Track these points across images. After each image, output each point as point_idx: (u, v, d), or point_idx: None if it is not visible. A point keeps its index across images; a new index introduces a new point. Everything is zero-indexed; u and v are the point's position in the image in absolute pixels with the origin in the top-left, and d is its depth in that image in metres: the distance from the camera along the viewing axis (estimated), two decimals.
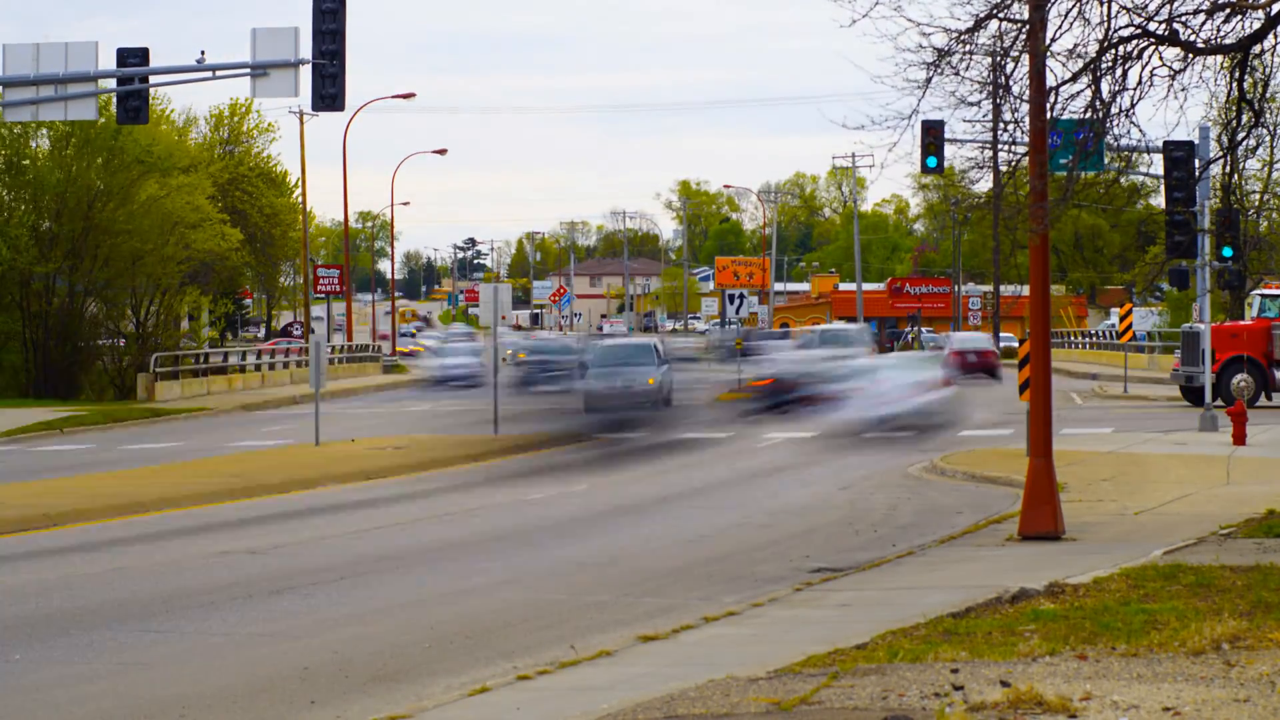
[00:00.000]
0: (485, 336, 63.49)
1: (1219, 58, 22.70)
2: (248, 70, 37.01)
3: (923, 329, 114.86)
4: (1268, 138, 70.97)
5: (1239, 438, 35.75)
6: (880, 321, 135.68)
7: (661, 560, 22.54)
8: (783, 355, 64.04)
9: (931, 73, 21.55)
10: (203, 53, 37.54)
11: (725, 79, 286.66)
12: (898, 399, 43.53)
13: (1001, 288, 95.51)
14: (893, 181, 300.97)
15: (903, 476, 33.82)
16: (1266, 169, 74.88)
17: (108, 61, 38.25)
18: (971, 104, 22.05)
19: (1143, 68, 20.63)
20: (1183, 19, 20.56)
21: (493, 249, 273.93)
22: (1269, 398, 52.61)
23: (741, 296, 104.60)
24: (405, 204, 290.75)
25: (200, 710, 13.71)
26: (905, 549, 22.87)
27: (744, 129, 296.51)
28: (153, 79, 39.01)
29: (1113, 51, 20.52)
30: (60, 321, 65.06)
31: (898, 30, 22.85)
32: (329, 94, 35.55)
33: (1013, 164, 23.68)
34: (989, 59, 22.02)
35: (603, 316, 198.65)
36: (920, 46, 21.58)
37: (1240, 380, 51.80)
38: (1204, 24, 20.60)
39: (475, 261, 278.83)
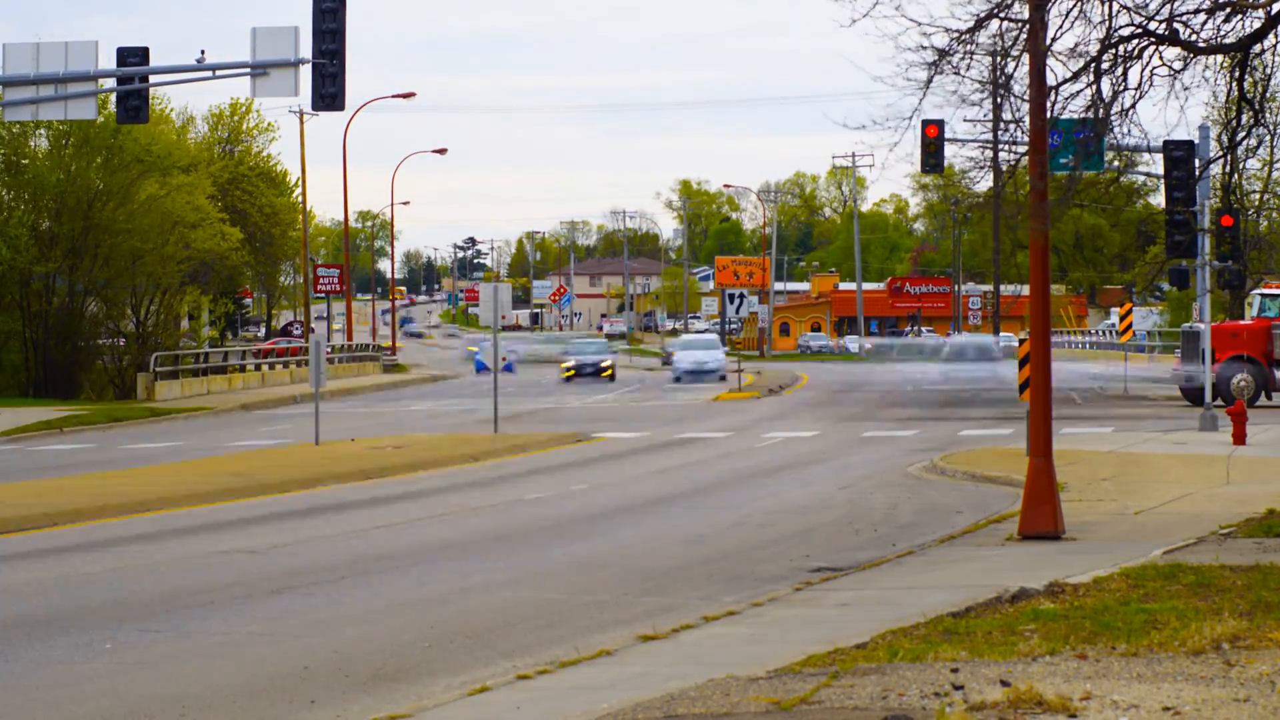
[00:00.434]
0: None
1: (1219, 57, 22.70)
2: (248, 70, 37.02)
3: (923, 328, 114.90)
4: (1268, 137, 70.95)
5: (1239, 437, 35.76)
6: (880, 321, 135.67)
7: (661, 560, 22.54)
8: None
9: (932, 72, 21.55)
10: (203, 52, 37.58)
11: (725, 79, 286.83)
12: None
13: (1001, 287, 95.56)
14: (893, 181, 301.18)
15: (902, 476, 33.81)
16: (1266, 169, 74.88)
17: (107, 61, 38.31)
18: (972, 104, 22.06)
19: (1143, 67, 20.64)
20: (1183, 19, 20.56)
21: (493, 249, 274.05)
22: (1269, 397, 52.62)
23: (741, 296, 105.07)
24: (405, 204, 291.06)
25: (200, 710, 13.70)
26: (905, 548, 22.87)
27: (744, 129, 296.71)
28: (153, 78, 39.03)
29: (1113, 51, 20.52)
30: (60, 321, 65.09)
31: (898, 30, 22.82)
32: (329, 93, 35.57)
33: (1013, 164, 23.68)
34: (989, 59, 22.02)
35: (603, 316, 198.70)
36: (921, 46, 21.59)
37: (1240, 380, 51.82)
38: (1204, 24, 20.62)
39: (475, 261, 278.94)
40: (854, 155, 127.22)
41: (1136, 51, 20.60)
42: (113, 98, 42.46)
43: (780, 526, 26.12)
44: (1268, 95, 61.93)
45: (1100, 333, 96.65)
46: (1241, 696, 11.54)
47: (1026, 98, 22.15)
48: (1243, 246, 52.84)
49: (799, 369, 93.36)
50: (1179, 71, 20.64)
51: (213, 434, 49.28)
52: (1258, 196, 75.11)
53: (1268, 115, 67.45)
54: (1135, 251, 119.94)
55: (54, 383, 64.14)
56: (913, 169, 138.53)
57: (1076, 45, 21.04)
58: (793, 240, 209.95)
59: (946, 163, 43.42)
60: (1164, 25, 20.49)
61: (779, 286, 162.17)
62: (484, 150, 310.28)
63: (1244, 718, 10.99)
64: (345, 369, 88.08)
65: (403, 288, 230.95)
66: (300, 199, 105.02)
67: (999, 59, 21.78)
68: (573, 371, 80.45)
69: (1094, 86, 20.60)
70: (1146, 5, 20.53)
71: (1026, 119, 22.26)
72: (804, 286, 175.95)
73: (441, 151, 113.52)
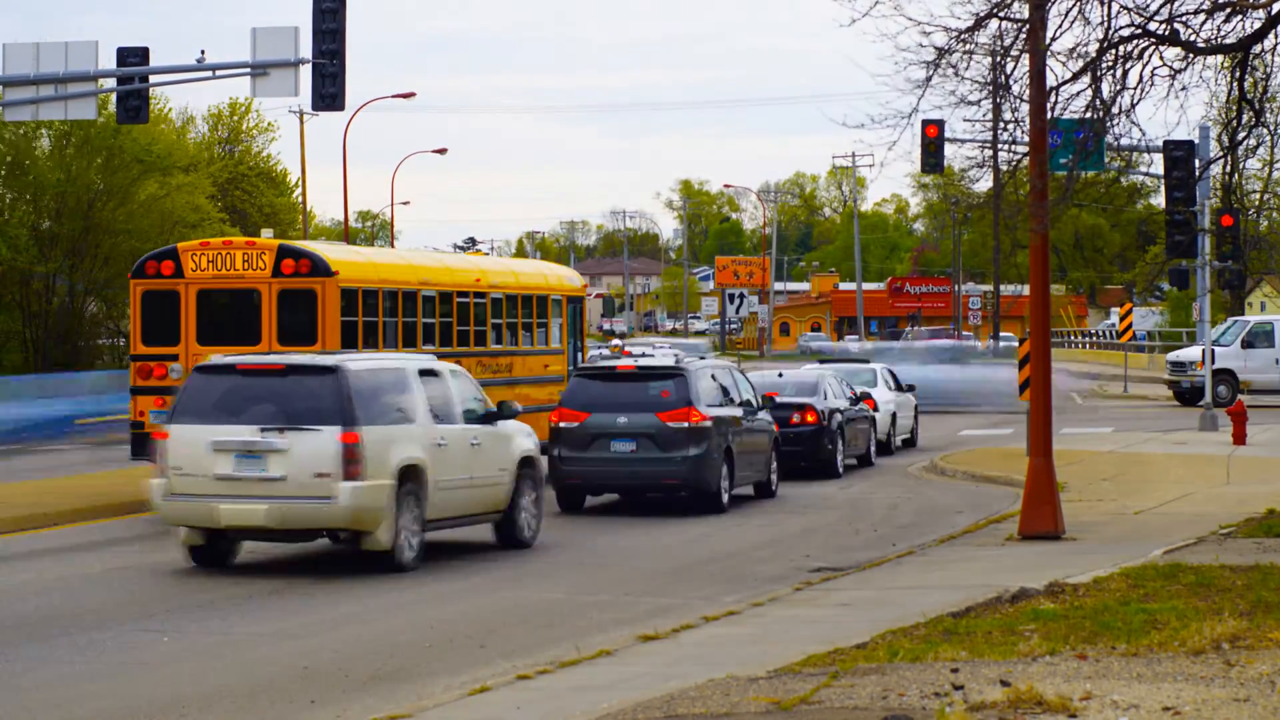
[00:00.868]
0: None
1: (1219, 57, 22.73)
2: (248, 70, 37.00)
3: (923, 328, 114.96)
4: (1268, 137, 70.93)
5: (1239, 437, 35.78)
6: (880, 321, 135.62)
7: (661, 560, 22.54)
8: None
9: (931, 72, 21.55)
10: (203, 52, 37.57)
11: (726, 79, 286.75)
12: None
13: (1001, 287, 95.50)
14: (893, 181, 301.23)
15: (903, 476, 33.83)
16: (1266, 169, 74.94)
17: (108, 61, 38.28)
18: (971, 103, 22.06)
19: (1143, 67, 20.64)
20: (1183, 19, 20.56)
21: (493, 249, 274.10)
22: None
23: (741, 296, 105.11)
24: (405, 204, 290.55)
25: (200, 710, 13.70)
26: (905, 548, 22.88)
27: (744, 129, 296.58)
28: (153, 78, 39.02)
29: (1113, 51, 20.51)
30: (60, 321, 65.08)
31: (898, 29, 22.90)
32: (329, 93, 35.55)
33: (1013, 164, 23.68)
34: (989, 58, 22.02)
35: (602, 316, 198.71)
36: (920, 45, 21.60)
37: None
38: (1204, 24, 20.61)
39: None
40: (854, 155, 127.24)
41: (1136, 52, 20.59)
42: (113, 98, 42.43)
43: (780, 526, 26.13)
44: (1268, 95, 61.92)
45: (1100, 333, 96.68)
46: (1241, 696, 11.54)
47: (1026, 98, 22.16)
48: (1243, 246, 52.84)
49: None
50: (1179, 71, 20.64)
51: None
52: (1258, 196, 75.16)
53: (1268, 115, 67.45)
54: (1135, 251, 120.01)
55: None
56: (912, 168, 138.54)
57: (1076, 45, 21.06)
58: (793, 240, 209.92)
59: (946, 162, 43.42)
60: (1164, 25, 20.48)
61: (779, 286, 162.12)
62: (484, 150, 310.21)
63: (1244, 718, 10.98)
64: None
65: None
66: (300, 199, 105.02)
67: (998, 59, 21.79)
68: None
69: (1094, 87, 20.59)
70: (1146, 5, 20.54)
71: (1026, 119, 22.27)
72: (804, 286, 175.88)
73: (441, 151, 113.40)
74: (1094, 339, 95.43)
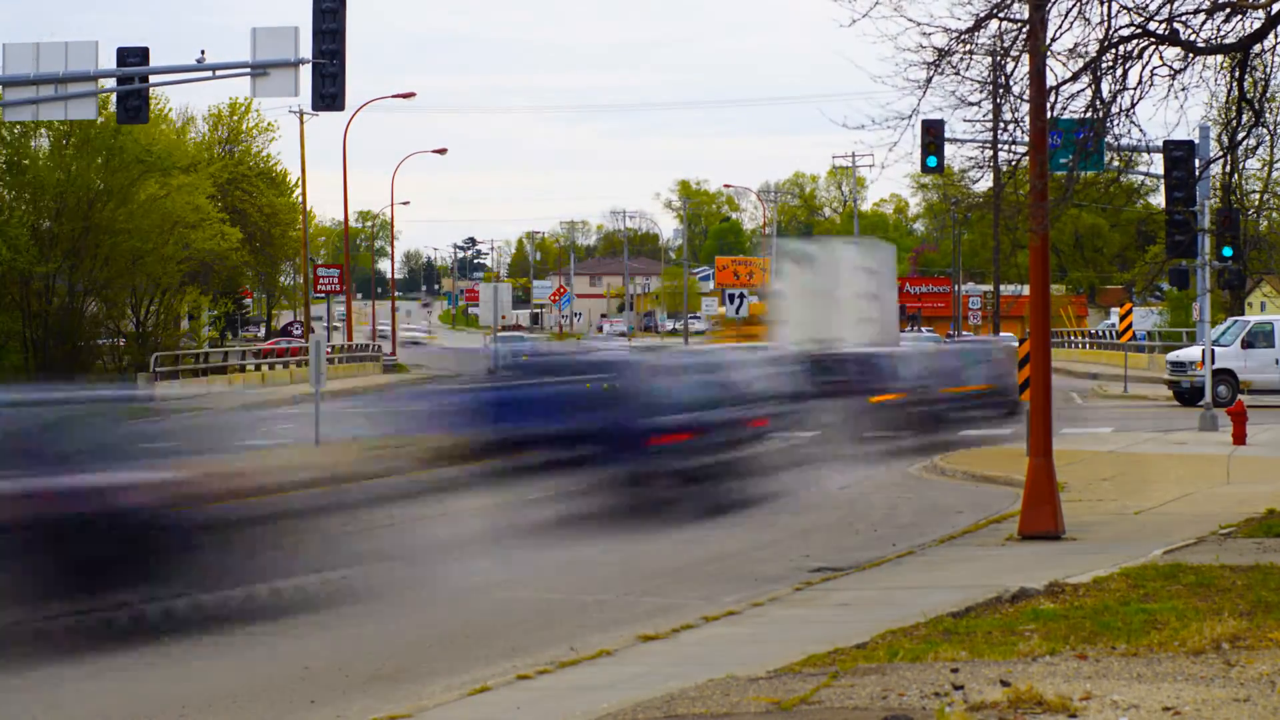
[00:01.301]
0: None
1: (1219, 57, 22.71)
2: (248, 70, 37.03)
3: (923, 328, 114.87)
4: (1268, 137, 70.94)
5: (1239, 437, 35.75)
6: None
7: (661, 560, 22.54)
8: None
9: (931, 72, 21.55)
10: (203, 52, 37.61)
11: (725, 79, 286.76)
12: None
13: (1001, 287, 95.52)
14: (893, 181, 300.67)
15: (903, 476, 33.82)
16: (1266, 169, 74.92)
17: (108, 61, 38.31)
18: (971, 104, 22.05)
19: (1143, 67, 20.64)
20: (1183, 18, 20.56)
21: (493, 249, 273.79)
22: None
23: (742, 296, 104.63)
24: (405, 204, 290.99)
25: (200, 710, 13.69)
26: (905, 548, 22.86)
27: (744, 129, 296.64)
28: (153, 78, 39.05)
29: (1113, 51, 20.51)
30: (60, 321, 65.11)
31: (898, 30, 22.90)
32: (329, 93, 35.57)
33: (1013, 164, 23.67)
34: (989, 59, 22.02)
35: (602, 316, 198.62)
36: (920, 46, 21.59)
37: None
38: (1204, 23, 20.61)
39: (475, 261, 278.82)
40: (854, 155, 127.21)
41: (1136, 52, 20.59)
42: (113, 98, 42.44)
43: (780, 526, 26.12)
44: (1268, 95, 61.90)
45: (1100, 333, 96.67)
46: (1241, 696, 11.54)
47: (1026, 98, 22.15)
48: (1243, 246, 52.84)
49: None
50: (1179, 71, 20.64)
51: (215, 434, 49.12)
52: (1258, 196, 75.14)
53: (1268, 115, 67.47)
54: (1135, 251, 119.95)
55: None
56: (912, 169, 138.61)
57: (1076, 45, 21.06)
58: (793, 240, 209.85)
59: (946, 163, 43.39)
60: (1164, 25, 20.48)
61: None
62: (484, 150, 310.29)
63: (1244, 718, 10.98)
64: (345, 369, 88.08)
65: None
66: (300, 199, 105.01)
67: (998, 59, 21.78)
68: None
69: (1094, 87, 20.59)
70: (1146, 5, 20.54)
71: (1026, 119, 22.26)
72: None
73: (441, 151, 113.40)
74: (1094, 339, 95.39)
